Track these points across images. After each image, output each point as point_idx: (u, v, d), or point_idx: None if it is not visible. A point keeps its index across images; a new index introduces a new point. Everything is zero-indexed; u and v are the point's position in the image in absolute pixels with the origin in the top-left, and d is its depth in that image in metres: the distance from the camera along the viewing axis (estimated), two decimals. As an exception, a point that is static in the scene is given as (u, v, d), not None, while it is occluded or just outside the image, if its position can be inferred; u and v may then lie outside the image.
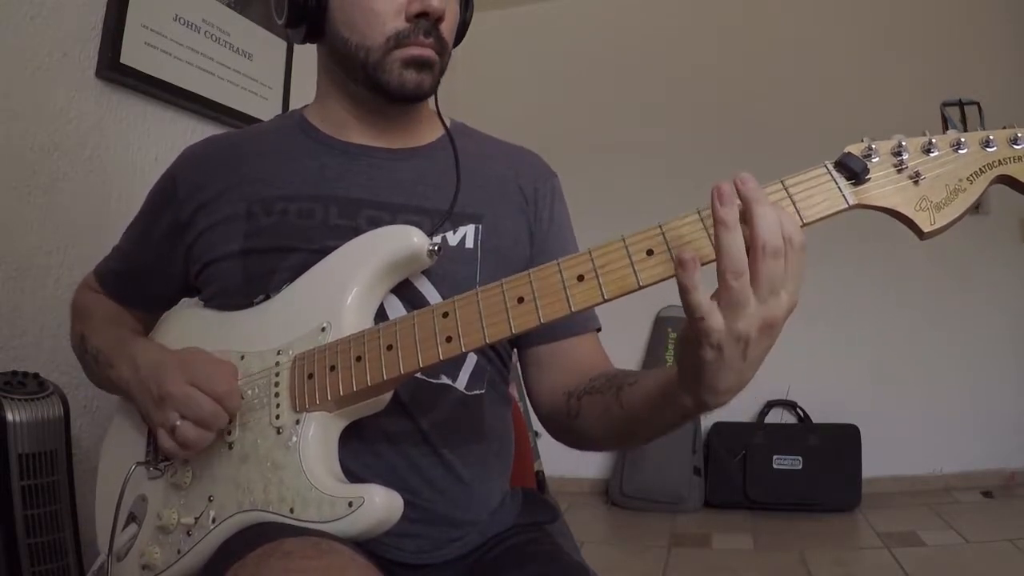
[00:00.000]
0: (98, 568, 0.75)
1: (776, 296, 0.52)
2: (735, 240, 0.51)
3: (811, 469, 2.71)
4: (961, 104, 2.83)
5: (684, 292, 0.51)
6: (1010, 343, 2.80)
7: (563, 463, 2.89)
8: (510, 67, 3.40)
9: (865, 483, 2.68)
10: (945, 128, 2.78)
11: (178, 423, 0.68)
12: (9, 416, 1.08)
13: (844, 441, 2.74)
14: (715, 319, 0.51)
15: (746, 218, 0.52)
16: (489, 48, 3.08)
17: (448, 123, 0.89)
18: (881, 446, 2.75)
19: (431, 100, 0.90)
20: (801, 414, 2.92)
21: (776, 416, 2.95)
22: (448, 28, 0.80)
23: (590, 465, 3.09)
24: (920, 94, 2.85)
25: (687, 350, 0.55)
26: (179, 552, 0.70)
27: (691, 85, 3.19)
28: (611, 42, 3.33)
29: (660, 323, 3.12)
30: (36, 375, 1.19)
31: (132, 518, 0.76)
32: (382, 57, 0.77)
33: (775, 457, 2.77)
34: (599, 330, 0.89)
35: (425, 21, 0.76)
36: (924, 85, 2.87)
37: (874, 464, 2.72)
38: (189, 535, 0.70)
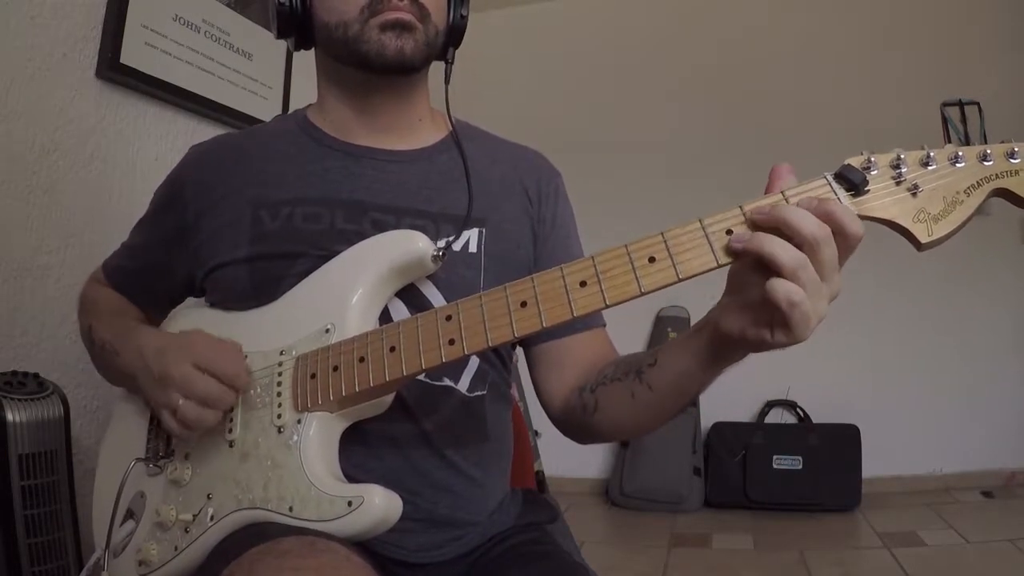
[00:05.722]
0: (94, 564, 0.75)
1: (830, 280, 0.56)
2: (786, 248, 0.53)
3: (811, 469, 2.71)
4: (961, 104, 2.83)
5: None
6: (1010, 343, 2.80)
7: (563, 463, 2.89)
8: (510, 67, 3.40)
9: (865, 483, 2.68)
10: (945, 128, 2.79)
11: (180, 403, 0.68)
12: (9, 416, 1.08)
13: (844, 441, 2.75)
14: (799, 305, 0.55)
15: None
16: (489, 48, 3.08)
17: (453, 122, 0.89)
18: (881, 446, 2.76)
19: (431, 98, 0.89)
20: (801, 414, 2.92)
21: (776, 416, 2.95)
22: None
23: (590, 465, 3.09)
24: (920, 94, 2.86)
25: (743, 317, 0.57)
26: (176, 549, 0.70)
27: (691, 84, 3.19)
28: (611, 42, 3.33)
29: (660, 323, 3.12)
30: (36, 375, 1.19)
31: (130, 514, 0.76)
32: (360, 28, 0.77)
33: (775, 457, 2.77)
34: (604, 326, 0.88)
35: None
36: (924, 85, 2.87)
37: (874, 464, 2.72)
38: (187, 532, 0.70)
